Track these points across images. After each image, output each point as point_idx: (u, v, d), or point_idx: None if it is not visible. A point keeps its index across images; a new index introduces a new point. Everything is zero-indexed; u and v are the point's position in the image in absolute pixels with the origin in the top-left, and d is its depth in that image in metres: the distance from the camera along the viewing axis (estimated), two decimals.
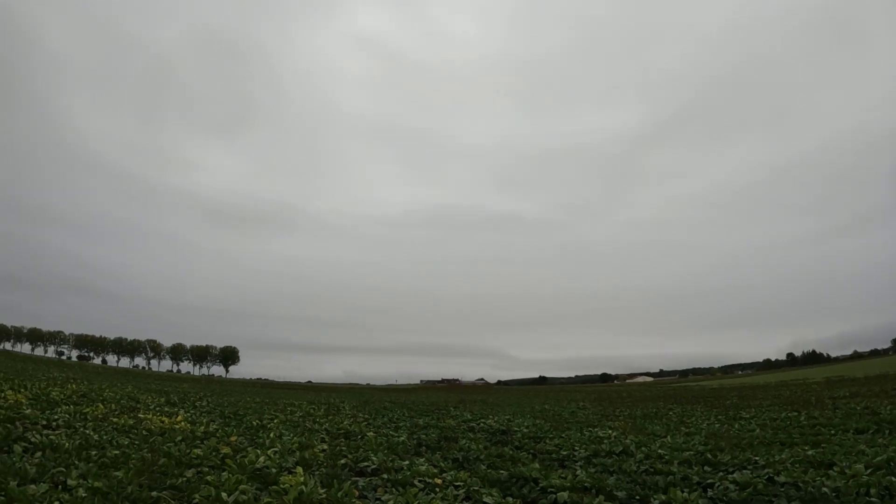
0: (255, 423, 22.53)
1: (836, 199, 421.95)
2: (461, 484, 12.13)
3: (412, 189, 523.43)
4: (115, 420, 19.77)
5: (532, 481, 12.67)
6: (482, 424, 24.78)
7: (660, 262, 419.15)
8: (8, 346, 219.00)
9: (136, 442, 15.46)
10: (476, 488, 11.80)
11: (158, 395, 36.71)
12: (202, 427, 19.89)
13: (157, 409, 25.84)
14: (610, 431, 21.88)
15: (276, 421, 23.88)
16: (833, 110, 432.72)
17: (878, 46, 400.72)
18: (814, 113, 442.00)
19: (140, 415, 22.38)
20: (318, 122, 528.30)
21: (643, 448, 17.03)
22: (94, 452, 13.13)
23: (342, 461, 14.44)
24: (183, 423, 20.33)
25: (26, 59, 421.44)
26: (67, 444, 13.58)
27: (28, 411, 18.78)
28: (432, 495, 10.97)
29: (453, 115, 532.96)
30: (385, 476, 12.61)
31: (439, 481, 12.28)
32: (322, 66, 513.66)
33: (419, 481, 12.17)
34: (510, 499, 10.98)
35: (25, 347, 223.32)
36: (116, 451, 13.41)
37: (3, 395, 22.87)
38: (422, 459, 15.04)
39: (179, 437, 16.56)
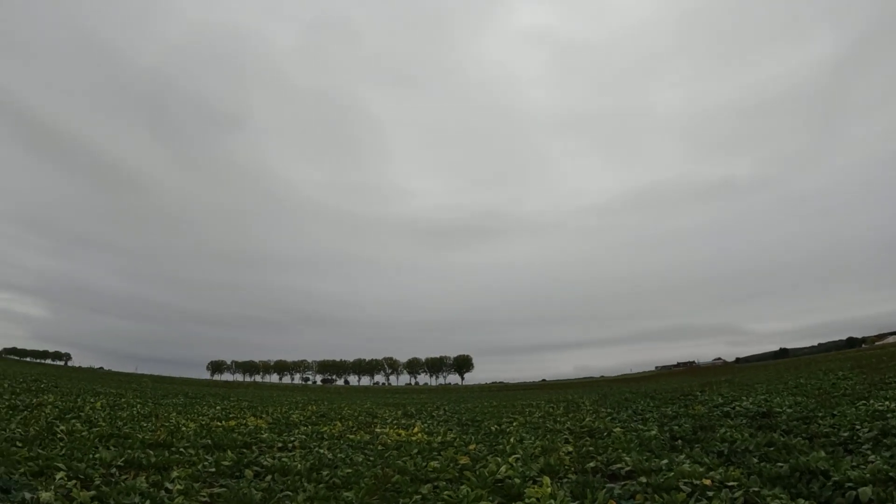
0: (493, 428, 21.27)
1: None
2: (735, 484, 9.99)
3: (613, 173, 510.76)
4: (351, 437, 19.25)
5: (820, 474, 10.14)
6: (737, 408, 21.95)
7: (891, 202, 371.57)
8: (258, 377, 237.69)
9: (371, 458, 14.55)
10: (755, 489, 9.54)
11: (395, 408, 36.60)
12: (439, 437, 18.86)
13: (394, 422, 25.31)
14: (887, 403, 18.36)
15: (515, 424, 22.47)
16: None
17: None
18: None
19: (377, 429, 21.78)
20: (506, 127, 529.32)
21: None
22: (325, 473, 12.31)
23: (591, 464, 12.70)
24: (419, 435, 19.39)
25: (239, 131, 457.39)
26: (299, 466, 12.89)
27: (265, 435, 18.62)
28: (703, 501, 8.99)
29: (637, 89, 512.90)
30: (643, 479, 10.63)
31: (707, 482, 10.23)
32: (496, 72, 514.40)
33: (684, 483, 10.10)
34: (801, 500, 8.82)
35: (274, 378, 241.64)
36: (349, 470, 12.48)
37: (244, 422, 23.11)
38: (681, 456, 12.87)
39: (415, 450, 15.50)
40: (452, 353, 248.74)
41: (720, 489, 9.70)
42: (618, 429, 18.44)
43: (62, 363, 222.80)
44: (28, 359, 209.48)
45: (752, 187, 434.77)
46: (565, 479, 11.26)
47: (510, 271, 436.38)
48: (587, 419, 22.91)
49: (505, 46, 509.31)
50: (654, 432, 16.90)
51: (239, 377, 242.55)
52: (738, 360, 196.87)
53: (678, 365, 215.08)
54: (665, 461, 12.02)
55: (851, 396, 22.75)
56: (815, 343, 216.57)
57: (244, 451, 15.78)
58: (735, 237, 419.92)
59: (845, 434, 13.75)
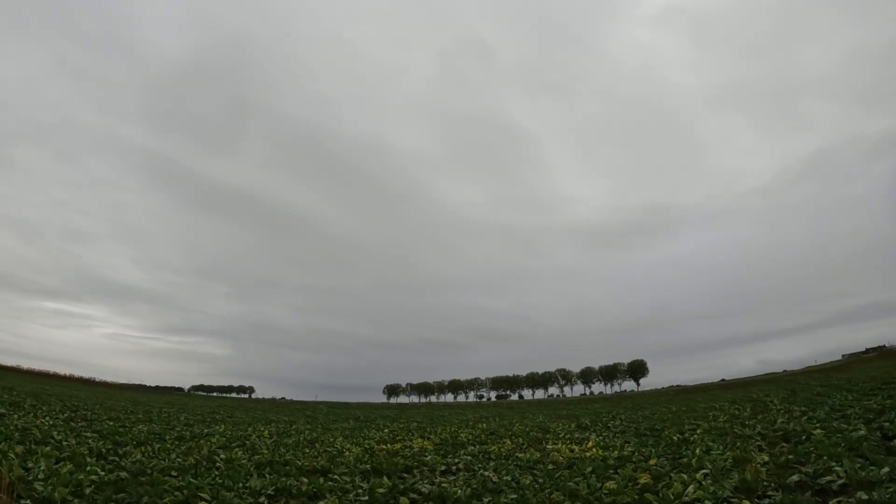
0: (675, 437, 19.37)
1: None
2: None
3: (772, 147, 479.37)
4: (520, 455, 18.00)
5: None
6: None
7: None
8: (433, 398, 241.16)
9: (540, 479, 13.26)
10: None
11: (569, 420, 35.00)
12: (615, 451, 17.31)
13: (567, 436, 23.85)
14: None
15: (698, 431, 20.47)
16: None
17: None
18: None
19: (548, 446, 20.41)
20: (656, 117, 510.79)
21: None
22: (487, 500, 11.04)
23: (794, 477, 10.78)
24: (594, 450, 17.89)
25: (383, 163, 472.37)
26: (459, 492, 11.80)
27: (429, 457, 17.69)
28: None
29: (783, 50, 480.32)
30: (862, 496, 8.68)
31: None
32: (634, 63, 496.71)
33: None
34: None
35: (448, 397, 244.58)
36: (514, 496, 11.21)
37: (410, 444, 22.38)
38: None
39: (589, 468, 14.06)
40: (626, 359, 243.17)
41: None
42: (817, 430, 16.11)
43: (246, 396, 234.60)
44: (214, 394, 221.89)
45: None
46: (766, 499, 9.50)
47: (680, 266, 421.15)
48: (779, 420, 20.57)
49: (638, 35, 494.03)
50: (862, 432, 14.54)
51: (414, 399, 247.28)
52: None
53: (867, 351, 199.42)
54: (886, 469, 9.95)
55: None
56: None
57: (405, 475, 14.95)
58: None
59: None
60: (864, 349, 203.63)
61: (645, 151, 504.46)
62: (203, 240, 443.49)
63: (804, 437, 15.67)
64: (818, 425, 17.46)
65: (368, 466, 15.97)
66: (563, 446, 19.64)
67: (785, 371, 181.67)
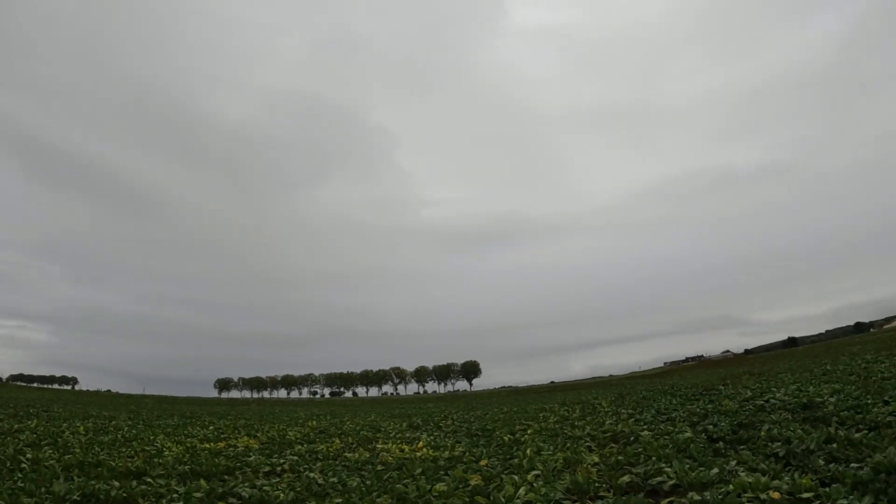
0: (506, 438, 19.29)
1: None
2: (810, 496, 8.00)
3: (628, 169, 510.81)
4: (349, 456, 17.34)
5: None
6: (771, 401, 19.96)
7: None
8: (266, 394, 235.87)
9: (368, 481, 12.56)
10: (842, 501, 7.61)
11: (401, 419, 34.61)
12: (446, 452, 16.97)
13: (398, 435, 23.38)
14: None
15: (529, 432, 20.54)
16: None
17: None
18: None
19: (378, 445, 19.85)
20: (520, 128, 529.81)
21: None
22: None
23: (625, 478, 10.67)
24: (424, 451, 17.47)
25: (245, 148, 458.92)
26: (281, 496, 10.95)
27: (253, 458, 16.69)
28: None
29: (647, 82, 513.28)
30: (694, 496, 8.64)
31: (776, 495, 8.30)
32: (508, 73, 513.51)
33: (748, 500, 8.17)
34: None
35: (282, 393, 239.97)
36: (339, 500, 10.53)
37: (235, 442, 21.26)
38: (731, 462, 10.85)
39: (419, 469, 13.53)
40: (462, 360, 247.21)
41: None
42: (645, 432, 16.42)
43: (69, 387, 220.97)
44: (35, 384, 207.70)
45: (759, 175, 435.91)
46: (599, 501, 9.35)
47: (524, 275, 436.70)
48: (608, 422, 20.98)
49: (515, 47, 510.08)
50: (688, 434, 14.91)
51: (246, 394, 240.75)
52: (747, 351, 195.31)
53: (687, 360, 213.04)
54: (715, 470, 10.04)
55: (893, 379, 20.88)
56: (823, 330, 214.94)
57: (226, 477, 13.94)
58: (743, 227, 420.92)
59: None
60: (684, 358, 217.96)
61: (502, 161, 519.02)
62: (39, 213, 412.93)
63: (633, 439, 15.90)
64: (645, 427, 17.85)
65: (188, 468, 14.82)
66: (394, 446, 19.14)
67: (611, 376, 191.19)
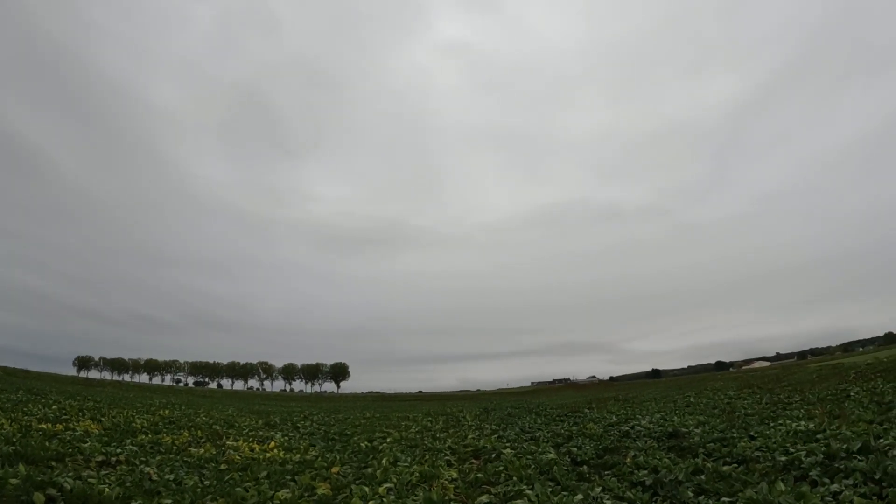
0: (364, 444, 18.42)
1: None
2: None
3: (517, 191, 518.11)
4: (193, 451, 16.11)
5: None
6: (636, 427, 20.01)
7: (770, 236, 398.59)
8: (126, 377, 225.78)
9: (207, 481, 11.53)
10: None
11: (259, 416, 33.28)
12: (298, 454, 16.00)
13: (251, 433, 22.17)
14: (803, 423, 16.78)
15: (389, 440, 19.85)
16: None
17: None
18: None
19: (228, 442, 18.71)
20: (417, 137, 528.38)
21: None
22: (138, 502, 9.31)
23: (484, 498, 10.06)
24: (276, 451, 16.45)
25: (133, 115, 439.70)
26: (108, 491, 9.76)
27: (88, 444, 15.23)
28: None
29: (547, 112, 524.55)
30: None
31: None
32: (412, 82, 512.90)
33: None
34: None
35: (144, 378, 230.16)
36: (169, 501, 9.51)
37: (74, 426, 19.64)
38: (596, 489, 10.40)
39: (264, 472, 12.55)
40: (332, 361, 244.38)
41: None
42: (508, 450, 15.97)
43: None
44: None
45: (645, 214, 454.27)
46: None
47: (404, 282, 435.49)
48: (470, 436, 20.55)
49: (428, 57, 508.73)
50: (552, 455, 14.50)
51: (107, 375, 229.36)
52: (612, 378, 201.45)
53: (554, 381, 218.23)
54: (579, 496, 9.56)
55: (757, 416, 21.31)
56: (686, 365, 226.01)
57: (53, 463, 12.57)
58: (623, 260, 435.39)
59: (783, 458, 11.73)
60: (551, 379, 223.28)
61: (394, 167, 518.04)
62: None
63: (494, 456, 15.33)
64: (508, 445, 17.40)
65: (13, 449, 13.36)
66: (244, 444, 18.01)
67: (479, 390, 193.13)
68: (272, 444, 18.01)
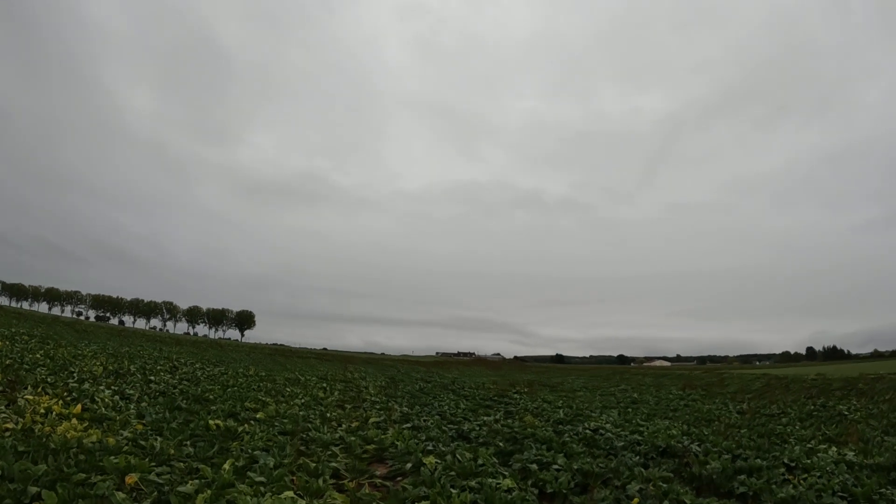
0: (219, 423, 12.25)
1: (870, 195, 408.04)
2: None
3: (444, 165, 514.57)
4: None
5: None
6: (603, 433, 14.96)
7: (682, 244, 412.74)
8: (25, 304, 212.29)
9: None
10: None
11: (116, 360, 26.78)
12: (105, 433, 10.04)
13: (73, 385, 15.90)
14: (843, 450, 12.07)
15: (260, 415, 14.08)
16: (879, 103, 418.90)
17: None
18: (858, 105, 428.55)
19: (26, 396, 12.69)
20: (357, 95, 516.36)
21: None
22: None
23: None
24: (74, 423, 10.39)
25: (62, 27, 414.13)
26: None
27: None
28: None
29: (488, 93, 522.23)
30: None
31: None
32: (365, 37, 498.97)
33: None
34: None
35: (42, 307, 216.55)
36: None
37: None
38: None
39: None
40: (238, 308, 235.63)
41: None
42: (431, 458, 10.30)
43: None
44: None
45: (566, 206, 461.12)
46: None
47: (321, 239, 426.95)
48: (373, 420, 15.05)
49: (382, 14, 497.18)
50: (507, 482, 8.98)
51: (4, 301, 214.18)
52: (516, 357, 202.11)
53: (459, 353, 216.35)
54: None
55: (746, 428, 16.79)
56: (588, 355, 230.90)
57: None
58: (538, 247, 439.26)
59: None
60: (456, 352, 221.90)
61: (328, 123, 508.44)
62: None
63: (411, 467, 9.75)
64: (429, 445, 11.81)
65: None
66: (46, 402, 12.03)
67: (384, 354, 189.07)
68: (77, 407, 11.92)
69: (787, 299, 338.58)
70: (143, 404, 14.21)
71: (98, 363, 23.30)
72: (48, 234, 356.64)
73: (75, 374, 18.48)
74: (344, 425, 13.83)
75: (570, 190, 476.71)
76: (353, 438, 11.94)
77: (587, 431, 15.09)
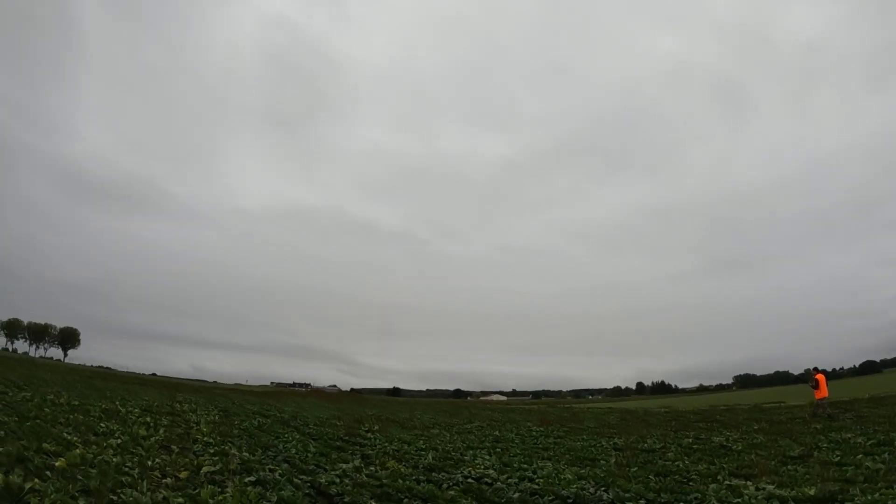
0: None
1: (690, 248, 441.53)
2: None
3: (283, 186, 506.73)
4: None
5: None
6: (492, 483, 12.91)
7: (516, 285, 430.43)
8: None
9: None
10: None
11: None
12: None
13: None
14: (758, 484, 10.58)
15: (59, 463, 10.64)
16: (706, 167, 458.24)
17: (755, 118, 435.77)
18: (689, 167, 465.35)
19: None
20: (205, 101, 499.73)
21: None
22: None
23: None
24: None
25: None
26: None
27: None
28: None
29: (334, 117, 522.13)
30: None
31: None
32: (224, 41, 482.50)
33: None
34: None
35: None
36: None
37: None
38: None
39: None
40: (61, 323, 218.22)
41: None
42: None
43: None
44: None
45: (401, 238, 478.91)
46: None
47: (148, 251, 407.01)
48: (205, 469, 12.08)
49: (248, 21, 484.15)
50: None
51: None
52: (353, 389, 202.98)
53: (293, 384, 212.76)
54: None
55: (651, 466, 15.55)
56: (425, 388, 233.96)
57: None
58: (372, 276, 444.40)
59: None
60: (292, 382, 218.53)
61: (171, 126, 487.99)
62: None
63: None
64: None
65: None
66: None
67: (216, 382, 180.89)
68: None
69: (614, 338, 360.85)
70: None
71: None
72: None
73: None
74: (169, 478, 10.86)
75: (405, 223, 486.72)
76: (180, 501, 9.05)
77: (470, 481, 12.92)
